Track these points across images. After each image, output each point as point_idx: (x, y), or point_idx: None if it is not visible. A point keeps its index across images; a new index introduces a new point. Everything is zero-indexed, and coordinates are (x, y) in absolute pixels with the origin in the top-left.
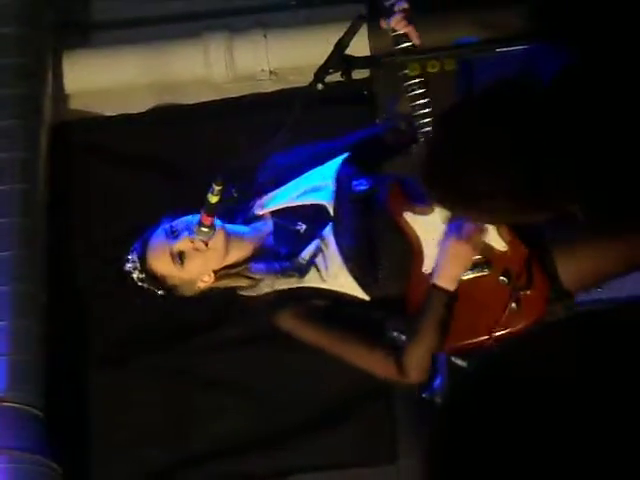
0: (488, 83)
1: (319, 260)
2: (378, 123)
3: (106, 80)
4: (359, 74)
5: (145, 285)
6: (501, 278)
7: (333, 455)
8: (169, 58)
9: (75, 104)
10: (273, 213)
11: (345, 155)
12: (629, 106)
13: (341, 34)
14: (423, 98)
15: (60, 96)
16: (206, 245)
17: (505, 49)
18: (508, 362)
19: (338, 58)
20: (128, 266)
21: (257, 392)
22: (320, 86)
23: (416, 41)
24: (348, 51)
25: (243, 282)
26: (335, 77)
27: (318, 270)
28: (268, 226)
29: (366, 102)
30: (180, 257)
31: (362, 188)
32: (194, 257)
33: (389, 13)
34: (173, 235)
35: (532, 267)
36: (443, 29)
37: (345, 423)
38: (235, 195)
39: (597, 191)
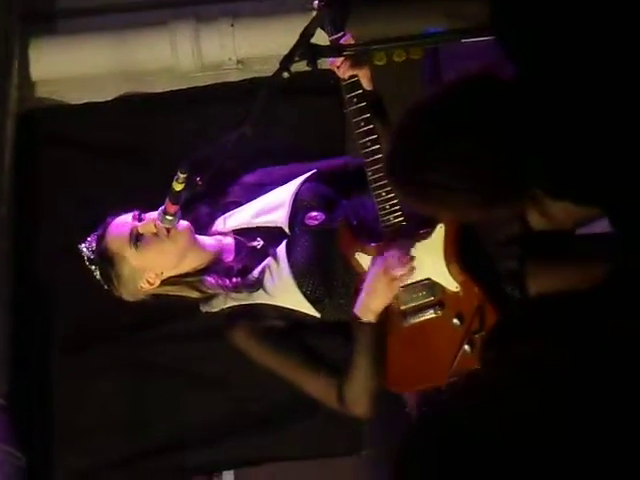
0: (454, 77)
1: (267, 276)
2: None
3: (72, 68)
4: (325, 63)
5: (92, 267)
6: (454, 321)
7: (296, 446)
8: (136, 46)
9: (41, 92)
10: (234, 230)
11: (307, 175)
12: (593, 101)
13: (307, 23)
14: (363, 114)
15: (26, 84)
16: (168, 233)
17: (471, 39)
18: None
19: (304, 47)
20: (83, 245)
21: (219, 383)
22: (286, 74)
23: (367, 86)
24: (314, 40)
25: (193, 294)
26: (302, 66)
27: (266, 286)
28: (228, 242)
29: (332, 91)
30: (137, 239)
31: (314, 223)
32: (151, 243)
33: (335, 50)
34: (139, 218)
35: (485, 307)
36: (410, 19)
37: (308, 414)
38: (199, 184)
39: (561, 187)
